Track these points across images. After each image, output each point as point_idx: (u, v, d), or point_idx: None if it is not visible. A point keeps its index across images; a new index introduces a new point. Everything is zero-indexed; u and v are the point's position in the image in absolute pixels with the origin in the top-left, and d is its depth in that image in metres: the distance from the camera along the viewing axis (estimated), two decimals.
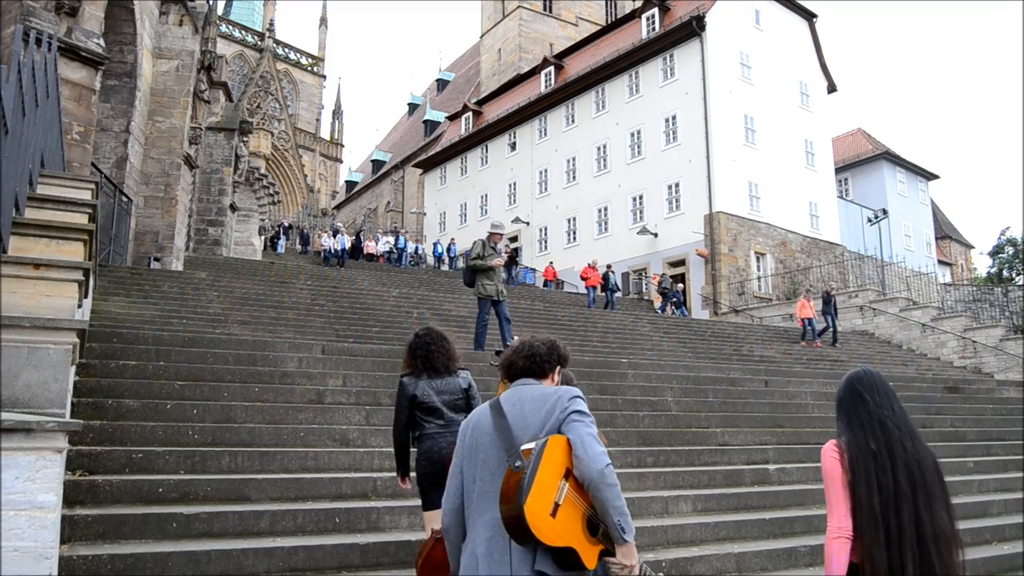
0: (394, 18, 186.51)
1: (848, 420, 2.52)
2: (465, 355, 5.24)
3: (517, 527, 2.21)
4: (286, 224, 34.62)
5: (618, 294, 23.76)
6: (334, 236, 26.25)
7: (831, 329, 17.89)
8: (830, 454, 2.47)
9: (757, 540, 5.22)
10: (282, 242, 31.99)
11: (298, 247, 32.06)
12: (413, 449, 3.93)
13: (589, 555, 2.29)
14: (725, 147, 26.79)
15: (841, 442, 2.49)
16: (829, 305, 18.22)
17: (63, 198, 4.59)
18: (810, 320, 17.63)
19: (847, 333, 20.22)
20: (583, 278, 22.14)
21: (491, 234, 9.29)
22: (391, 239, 31.56)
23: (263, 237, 29.49)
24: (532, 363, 2.61)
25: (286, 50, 54.73)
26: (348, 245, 26.78)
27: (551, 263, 29.21)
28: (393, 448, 4.06)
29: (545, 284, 27.56)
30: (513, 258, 9.79)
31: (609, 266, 23.92)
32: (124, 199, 13.47)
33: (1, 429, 2.64)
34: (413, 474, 3.94)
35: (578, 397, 2.45)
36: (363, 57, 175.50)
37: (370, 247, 30.53)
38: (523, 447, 2.32)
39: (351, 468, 5.23)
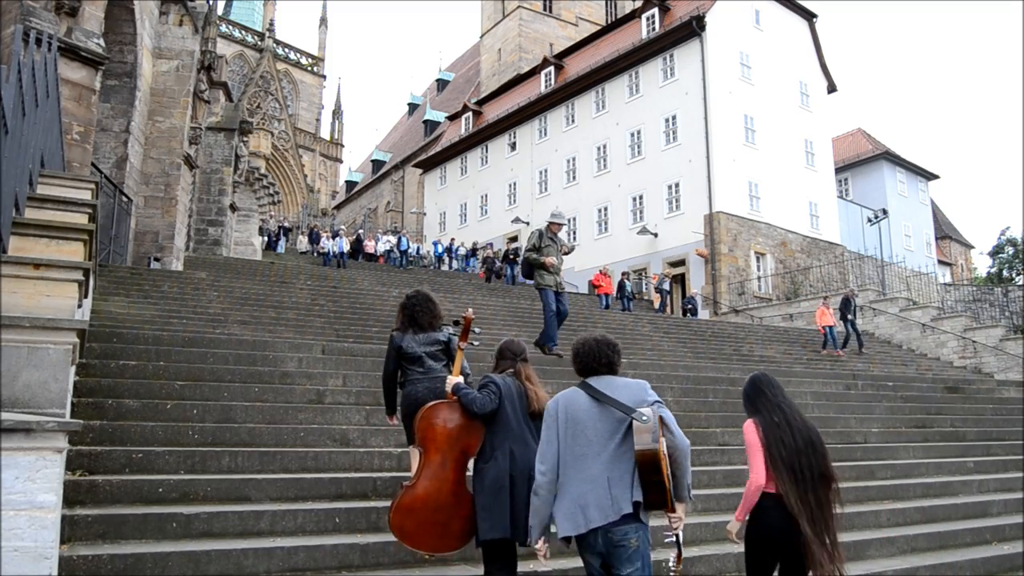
0: (394, 18, 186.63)
1: (756, 406, 3.81)
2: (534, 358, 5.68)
3: (651, 462, 3.11)
4: (286, 225, 34.62)
5: (633, 301, 23.38)
6: (333, 238, 26.28)
7: (854, 335, 17.11)
8: (750, 428, 3.73)
9: None
10: (282, 242, 32.01)
11: (301, 247, 32.07)
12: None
13: (670, 499, 3.16)
14: (725, 147, 26.79)
15: (756, 420, 3.73)
16: (849, 309, 17.29)
17: (63, 198, 4.59)
18: (831, 328, 16.72)
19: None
20: (595, 285, 21.92)
21: (550, 224, 8.84)
22: (392, 238, 31.56)
23: (263, 237, 29.50)
24: (610, 365, 3.41)
25: (286, 50, 54.74)
26: (347, 248, 26.80)
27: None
28: (382, 390, 4.78)
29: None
30: (568, 252, 9.29)
31: (625, 273, 23.61)
32: (124, 199, 13.47)
33: (1, 429, 2.64)
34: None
35: (651, 389, 3.36)
36: (363, 57, 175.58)
37: (369, 247, 30.53)
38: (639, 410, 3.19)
39: (351, 468, 5.23)
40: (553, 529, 3.28)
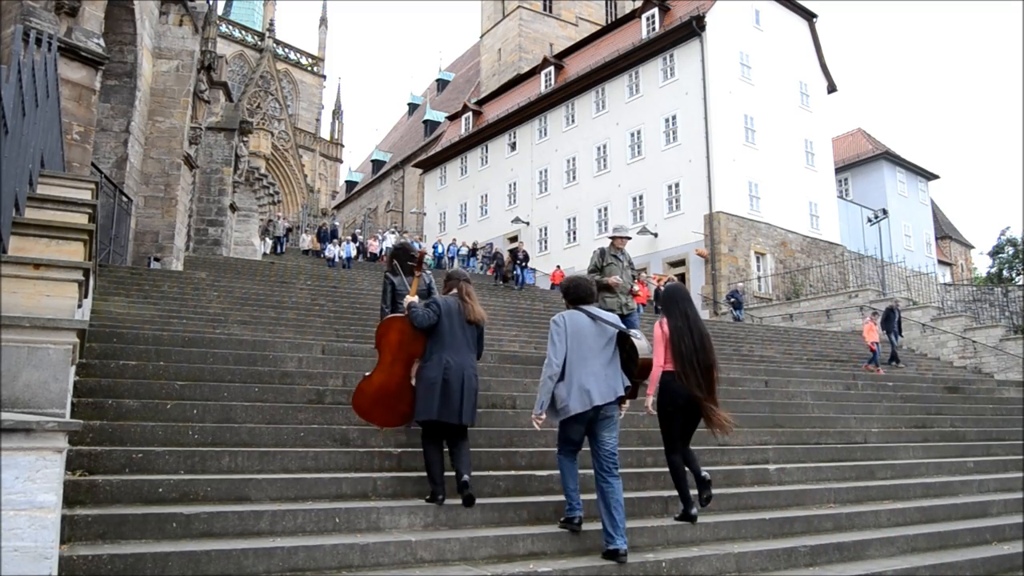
0: (394, 18, 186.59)
1: (668, 311, 5.14)
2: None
3: (648, 367, 4.75)
4: (287, 226, 34.55)
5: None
6: (339, 244, 26.31)
7: (892, 349, 16.12)
8: (659, 326, 5.13)
9: (757, 540, 5.21)
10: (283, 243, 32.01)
11: (303, 245, 31.99)
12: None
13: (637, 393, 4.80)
14: (725, 147, 26.79)
15: (664, 322, 5.10)
16: (892, 322, 16.31)
17: (63, 198, 4.59)
18: (878, 344, 15.52)
19: (847, 333, 20.18)
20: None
21: (613, 239, 8.23)
22: (396, 236, 31.49)
23: (269, 240, 29.44)
24: (592, 296, 4.82)
25: (286, 50, 54.74)
26: (354, 253, 26.79)
27: (559, 267, 28.68)
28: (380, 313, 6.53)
29: (553, 287, 27.37)
30: (635, 277, 8.28)
31: (661, 279, 23.03)
32: (124, 199, 13.48)
33: (1, 429, 2.64)
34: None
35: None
36: (363, 57, 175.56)
37: (372, 246, 30.49)
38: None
39: (351, 468, 5.22)
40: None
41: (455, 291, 5.14)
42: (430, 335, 4.93)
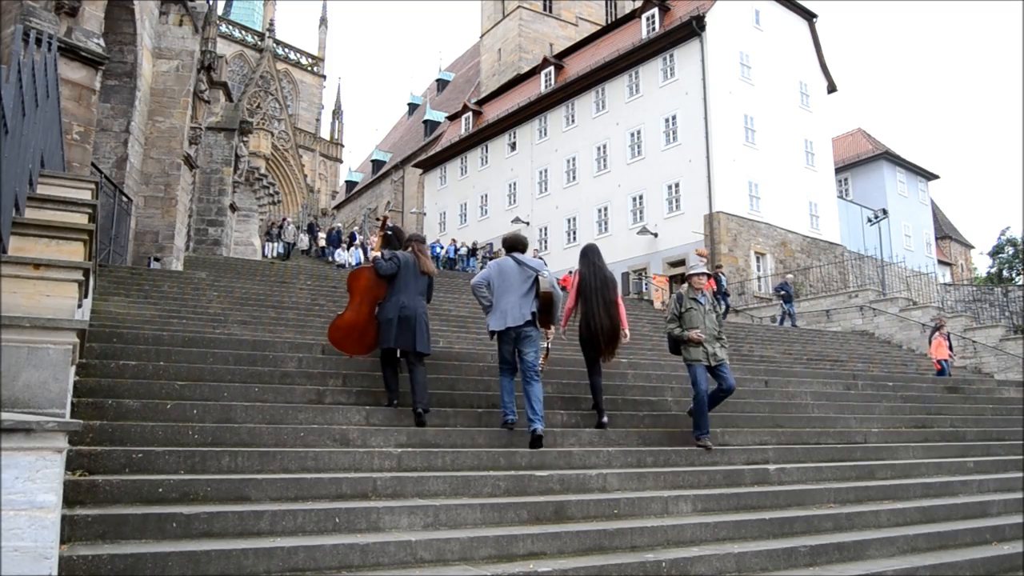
0: (394, 18, 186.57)
1: (582, 262, 6.83)
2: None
3: (548, 299, 6.24)
4: (312, 222, 34.34)
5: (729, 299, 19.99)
6: (348, 249, 26.14)
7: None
8: (575, 274, 6.86)
9: (757, 540, 5.21)
10: (280, 244, 31.91)
11: (301, 245, 31.93)
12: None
13: (550, 321, 6.53)
14: (725, 147, 26.78)
15: (579, 269, 6.81)
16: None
17: (63, 198, 4.59)
18: (946, 362, 14.90)
19: (847, 333, 20.18)
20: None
21: (690, 276, 7.13)
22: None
23: (275, 243, 29.31)
24: (524, 248, 6.49)
25: (286, 50, 54.74)
26: (363, 259, 26.70)
27: (570, 272, 28.60)
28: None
29: (563, 290, 27.13)
30: (723, 298, 7.20)
31: (719, 265, 21.91)
32: (124, 199, 13.48)
33: (1, 429, 2.64)
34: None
35: (544, 265, 6.47)
36: (363, 57, 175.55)
37: (375, 243, 30.43)
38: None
39: (351, 468, 5.22)
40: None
41: (411, 249, 6.45)
42: (390, 282, 6.25)
